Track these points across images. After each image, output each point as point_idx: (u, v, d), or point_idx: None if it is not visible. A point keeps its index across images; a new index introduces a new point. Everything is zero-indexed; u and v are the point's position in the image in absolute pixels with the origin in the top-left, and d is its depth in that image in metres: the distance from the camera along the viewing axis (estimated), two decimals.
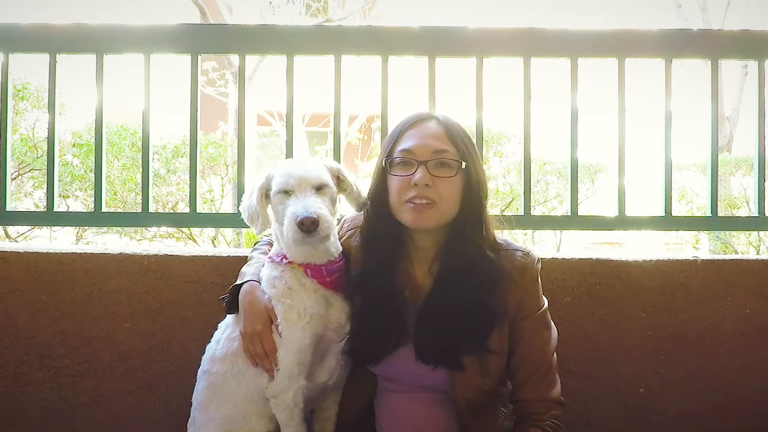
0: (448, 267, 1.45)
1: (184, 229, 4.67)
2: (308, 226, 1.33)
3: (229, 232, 5.05)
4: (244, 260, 1.74)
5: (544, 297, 1.52)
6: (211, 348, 1.55)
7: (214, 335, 1.56)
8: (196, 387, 1.56)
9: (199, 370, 1.56)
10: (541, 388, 1.47)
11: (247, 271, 1.58)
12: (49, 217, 2.26)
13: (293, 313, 1.43)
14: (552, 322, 1.52)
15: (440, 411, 1.49)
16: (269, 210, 1.49)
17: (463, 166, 1.42)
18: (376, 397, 1.57)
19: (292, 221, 1.34)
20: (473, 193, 1.45)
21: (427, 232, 1.46)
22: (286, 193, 1.39)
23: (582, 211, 2.54)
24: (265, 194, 1.47)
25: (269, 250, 1.58)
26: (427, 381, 1.47)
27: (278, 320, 1.44)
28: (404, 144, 1.44)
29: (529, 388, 1.47)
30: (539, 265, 1.52)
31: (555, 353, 1.50)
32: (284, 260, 1.48)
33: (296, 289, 1.45)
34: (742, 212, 5.74)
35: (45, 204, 2.27)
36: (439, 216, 1.42)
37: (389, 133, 1.53)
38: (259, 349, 1.44)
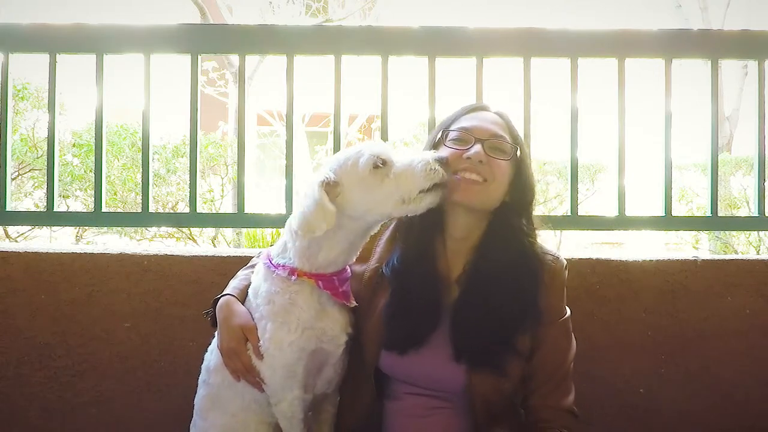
0: (489, 260, 1.43)
1: (184, 229, 4.67)
2: (445, 166, 1.33)
3: (229, 232, 5.05)
4: (243, 260, 1.74)
5: (567, 307, 1.51)
6: (206, 358, 1.55)
7: (211, 343, 1.55)
8: (197, 392, 1.56)
9: (199, 377, 1.56)
10: (554, 396, 1.45)
11: (229, 285, 1.56)
12: (49, 217, 2.26)
13: (284, 329, 1.39)
14: (573, 334, 1.51)
15: (453, 419, 1.45)
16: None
17: (518, 154, 1.46)
18: (385, 403, 1.52)
19: (428, 163, 1.32)
20: (524, 185, 1.47)
21: (463, 220, 1.45)
22: (384, 164, 1.34)
23: (582, 211, 2.55)
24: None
25: None
26: (443, 382, 1.44)
27: (260, 341, 1.40)
28: (463, 124, 1.47)
29: (542, 395, 1.45)
30: (566, 272, 1.51)
31: (572, 364, 1.49)
32: (293, 276, 1.40)
33: (300, 304, 1.40)
34: (742, 212, 5.74)
35: (45, 204, 2.26)
36: (485, 196, 1.42)
37: (444, 118, 1.54)
38: (239, 365, 1.43)
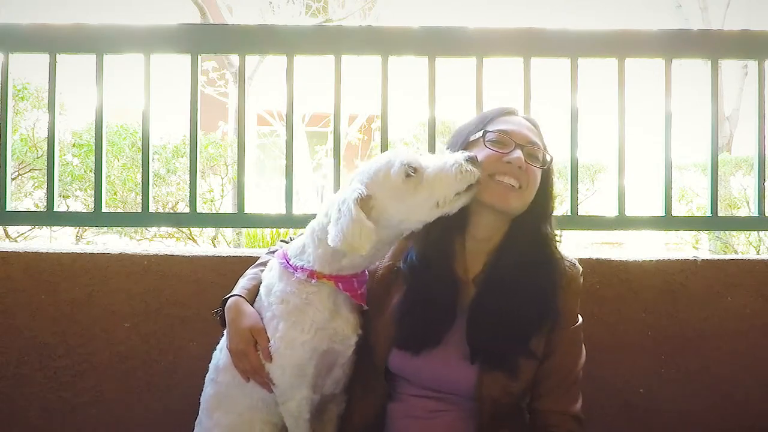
0: (509, 262, 1.43)
1: (184, 229, 4.67)
2: (476, 164, 1.33)
3: (229, 232, 5.05)
4: (243, 260, 1.74)
5: (579, 315, 1.51)
6: (215, 356, 1.54)
7: (220, 342, 1.55)
8: (204, 390, 1.56)
9: (207, 376, 1.56)
10: (562, 401, 1.45)
11: (238, 284, 1.55)
12: (49, 217, 2.26)
13: (296, 329, 1.38)
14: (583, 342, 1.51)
15: (457, 421, 1.45)
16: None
17: (552, 163, 1.48)
18: (389, 404, 1.51)
19: (461, 165, 1.31)
20: (549, 192, 1.49)
21: (488, 222, 1.46)
22: (415, 171, 1.33)
23: (582, 211, 2.55)
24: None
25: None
26: (453, 383, 1.43)
27: (270, 341, 1.40)
28: (500, 126, 1.46)
29: (550, 399, 1.45)
30: (582, 279, 1.52)
31: (581, 371, 1.49)
32: (313, 279, 1.39)
33: (316, 304, 1.39)
34: (742, 212, 5.74)
35: (45, 204, 2.27)
36: (520, 203, 1.43)
37: (474, 119, 1.53)
38: (248, 366, 1.42)
